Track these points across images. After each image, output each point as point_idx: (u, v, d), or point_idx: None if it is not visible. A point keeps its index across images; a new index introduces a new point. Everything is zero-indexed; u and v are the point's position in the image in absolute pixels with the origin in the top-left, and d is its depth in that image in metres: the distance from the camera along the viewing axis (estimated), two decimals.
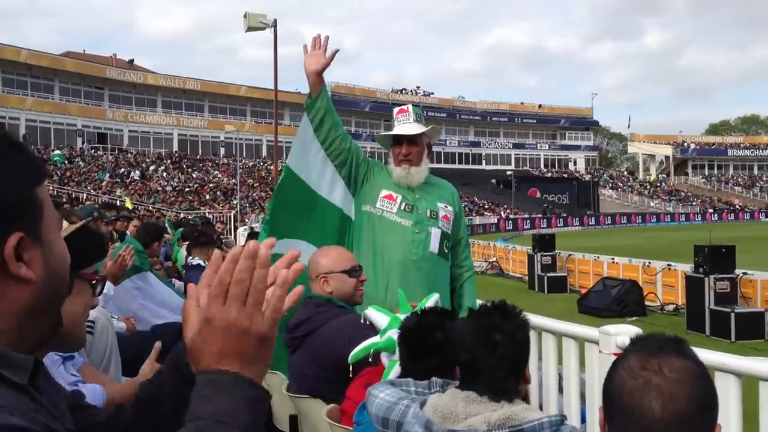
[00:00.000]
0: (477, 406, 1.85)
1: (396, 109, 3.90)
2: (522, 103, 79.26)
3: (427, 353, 2.31)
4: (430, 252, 3.66)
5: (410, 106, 3.85)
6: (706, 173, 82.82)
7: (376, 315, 2.74)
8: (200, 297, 0.94)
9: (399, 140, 3.76)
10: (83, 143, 48.89)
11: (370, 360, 2.69)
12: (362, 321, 2.87)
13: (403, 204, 3.70)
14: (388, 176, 3.77)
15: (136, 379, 2.41)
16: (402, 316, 2.60)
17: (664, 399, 1.20)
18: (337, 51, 3.58)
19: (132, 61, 59.46)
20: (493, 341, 1.87)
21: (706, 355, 2.43)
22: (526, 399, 2.09)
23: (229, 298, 0.89)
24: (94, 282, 1.75)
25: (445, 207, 3.78)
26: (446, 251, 3.74)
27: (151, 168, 47.12)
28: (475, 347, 1.88)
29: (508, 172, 64.05)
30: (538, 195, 66.85)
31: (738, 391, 2.63)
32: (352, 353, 2.69)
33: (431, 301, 2.81)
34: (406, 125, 3.76)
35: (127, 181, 42.27)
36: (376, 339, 2.67)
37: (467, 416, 1.84)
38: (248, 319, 0.89)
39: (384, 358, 2.63)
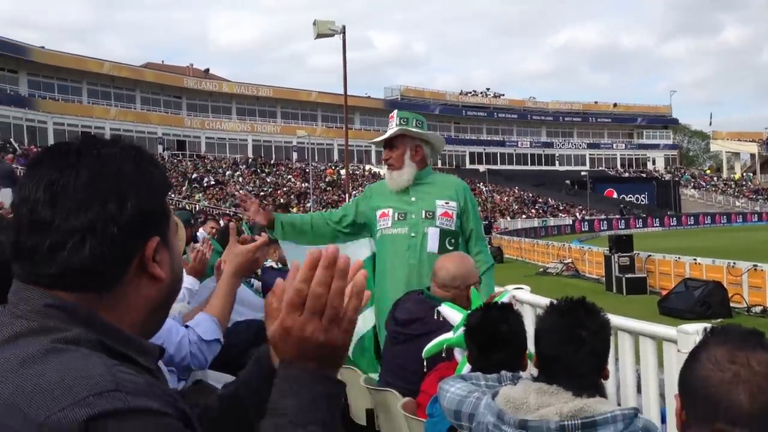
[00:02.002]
0: (549, 398, 1.86)
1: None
2: (596, 102, 77.54)
3: (494, 347, 2.35)
4: (429, 252, 3.69)
5: (396, 112, 3.95)
6: None
7: (450, 311, 2.78)
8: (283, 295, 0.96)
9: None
10: (164, 150, 50.73)
11: (443, 355, 2.74)
12: (435, 317, 2.90)
13: (396, 215, 3.80)
14: (384, 190, 3.91)
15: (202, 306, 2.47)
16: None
17: (753, 392, 1.21)
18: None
19: (207, 70, 61.35)
20: (579, 338, 1.88)
21: None
22: (603, 396, 2.09)
23: (306, 310, 0.91)
24: None
25: (446, 203, 3.78)
26: (451, 248, 3.71)
27: (227, 173, 48.47)
28: (561, 343, 1.89)
29: (583, 173, 62.73)
30: (615, 195, 65.24)
31: None
32: (426, 348, 2.74)
33: (506, 298, 2.83)
34: (388, 132, 3.88)
35: (205, 185, 43.60)
36: (449, 335, 2.71)
37: (539, 407, 1.85)
38: (324, 335, 0.91)
39: (457, 354, 2.67)
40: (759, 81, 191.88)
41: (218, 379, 3.36)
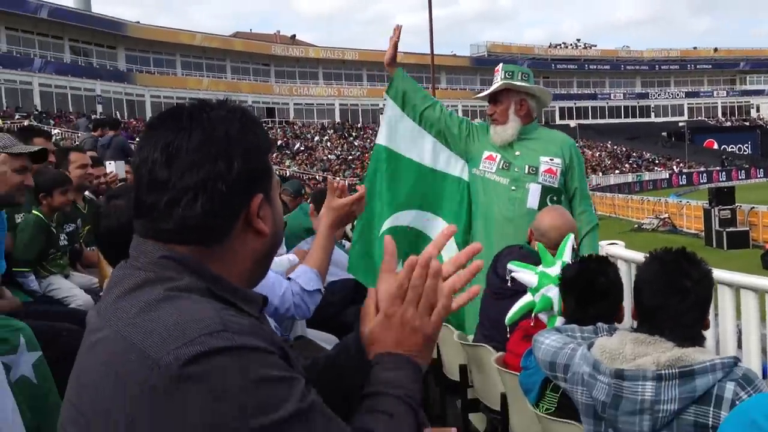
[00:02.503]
0: (646, 348, 1.87)
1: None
2: (695, 48, 73.49)
3: (594, 298, 2.34)
4: (528, 208, 3.65)
5: (501, 65, 3.86)
6: None
7: (523, 273, 2.75)
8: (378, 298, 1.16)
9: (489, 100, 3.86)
10: None
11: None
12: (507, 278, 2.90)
13: (502, 162, 3.76)
14: (488, 139, 3.86)
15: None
16: (548, 270, 2.65)
17: None
18: (397, 38, 3.78)
19: (294, 36, 62.02)
20: (684, 288, 1.88)
21: None
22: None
23: (406, 300, 1.10)
24: None
25: (550, 160, 3.71)
26: (551, 205, 3.60)
27: (316, 138, 49.22)
28: (664, 293, 1.89)
29: (681, 124, 60.00)
30: (716, 146, 62.16)
31: None
32: (509, 315, 2.75)
33: (569, 243, 2.79)
34: (493, 86, 3.81)
35: (294, 151, 44.48)
36: (528, 298, 2.71)
37: (635, 357, 1.86)
38: (419, 320, 1.11)
39: (542, 317, 2.66)
40: None
41: (317, 337, 3.51)
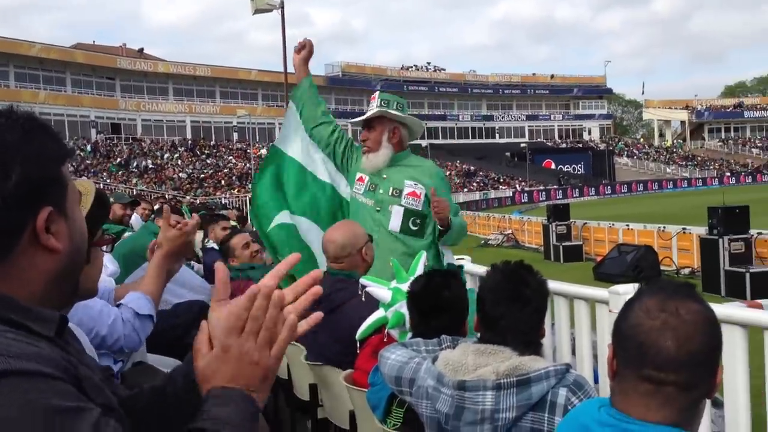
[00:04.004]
0: (487, 358, 1.93)
1: None
2: (534, 75, 78.45)
3: (438, 312, 2.39)
4: (390, 230, 3.74)
5: (378, 93, 3.98)
6: (723, 136, 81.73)
7: (376, 288, 2.79)
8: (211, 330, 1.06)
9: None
10: (97, 134, 49.19)
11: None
12: (359, 292, 2.93)
13: (369, 184, 3.86)
14: (362, 162, 3.97)
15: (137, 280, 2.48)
16: (402, 286, 2.68)
17: (679, 339, 1.25)
18: (312, 48, 4.05)
19: (142, 50, 59.51)
20: (524, 296, 1.98)
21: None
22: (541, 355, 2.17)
23: (245, 332, 1.01)
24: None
25: (414, 184, 3.80)
26: (415, 228, 3.75)
27: (165, 156, 47.39)
28: (507, 302, 1.97)
29: (522, 145, 63.55)
30: (553, 166, 66.39)
31: (744, 341, 2.69)
32: (360, 331, 2.76)
33: (421, 260, 2.87)
34: (369, 112, 3.91)
35: (142, 169, 42.57)
36: (380, 313, 2.73)
37: (477, 367, 1.92)
38: (259, 353, 1.01)
39: (393, 332, 2.68)
40: (688, 49, 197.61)
41: (159, 362, 3.34)
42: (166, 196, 33.46)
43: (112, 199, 6.43)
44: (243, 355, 1.01)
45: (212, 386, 1.02)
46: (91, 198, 1.71)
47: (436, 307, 2.40)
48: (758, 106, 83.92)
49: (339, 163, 4.02)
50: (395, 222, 3.74)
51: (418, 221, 3.77)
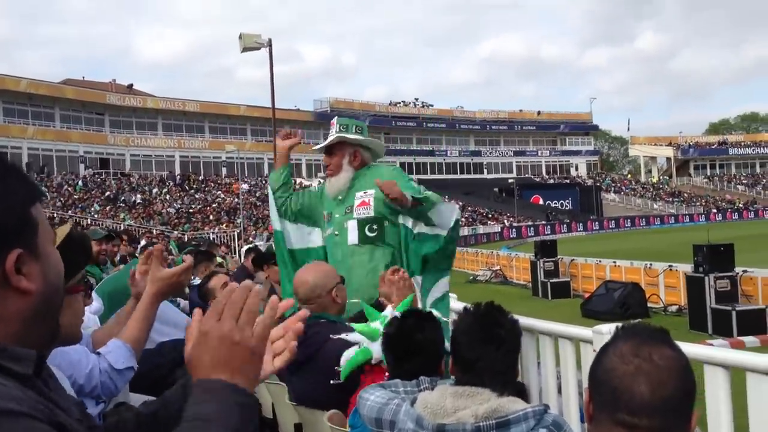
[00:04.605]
0: (465, 400, 1.93)
1: None
2: (521, 111, 79.24)
3: (411, 355, 2.39)
4: (350, 245, 3.80)
5: (336, 119, 4.06)
6: (709, 173, 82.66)
7: (360, 338, 2.81)
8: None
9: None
10: (85, 169, 49.11)
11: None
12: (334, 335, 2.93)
13: (329, 215, 3.94)
14: (326, 190, 4.04)
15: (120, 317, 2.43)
16: (373, 325, 2.71)
17: (653, 385, 1.26)
18: (301, 139, 4.21)
19: (131, 85, 59.73)
20: (498, 336, 2.00)
21: (692, 349, 2.50)
22: (524, 396, 2.18)
23: (223, 316, 1.00)
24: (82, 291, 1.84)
25: (363, 194, 3.85)
26: (372, 234, 3.79)
27: (154, 191, 47.32)
28: (482, 343, 1.99)
29: (510, 180, 63.99)
30: (541, 202, 66.79)
31: (726, 382, 2.69)
32: (344, 369, 2.76)
33: (388, 312, 2.88)
34: (328, 139, 3.98)
35: (130, 204, 42.45)
36: (353, 351, 2.76)
37: (456, 410, 1.92)
38: (239, 333, 1.00)
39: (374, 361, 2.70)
40: (673, 86, 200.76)
41: (141, 403, 3.30)
42: (154, 231, 33.35)
43: None
44: (223, 338, 0.99)
45: (197, 377, 0.99)
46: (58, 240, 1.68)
47: (409, 351, 2.39)
48: (742, 143, 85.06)
49: (313, 209, 4.06)
50: (352, 236, 3.80)
51: (374, 227, 3.80)
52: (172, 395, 1.16)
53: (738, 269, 10.59)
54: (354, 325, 2.86)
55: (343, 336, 2.81)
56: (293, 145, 4.10)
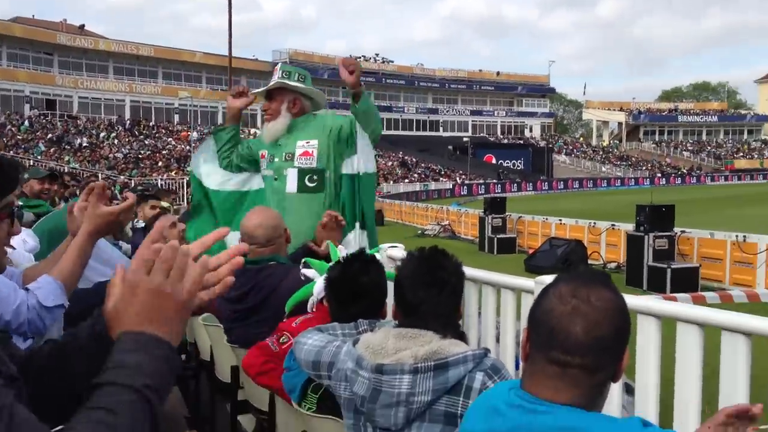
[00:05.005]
0: (407, 342, 1.94)
1: None
2: (480, 71, 79.21)
3: (355, 299, 2.39)
4: (288, 193, 3.80)
5: (279, 65, 4.04)
6: (657, 139, 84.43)
7: (311, 272, 2.82)
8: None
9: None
10: (30, 110, 47.40)
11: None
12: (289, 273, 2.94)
13: (268, 156, 3.93)
14: (263, 134, 4.05)
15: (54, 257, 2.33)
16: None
17: (588, 325, 1.30)
18: (254, 98, 4.08)
19: (83, 26, 57.50)
20: (442, 280, 1.99)
21: (627, 299, 2.56)
22: (463, 339, 2.20)
23: (153, 270, 0.98)
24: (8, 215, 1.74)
25: (306, 143, 3.85)
26: (312, 184, 3.81)
27: (102, 135, 46.02)
28: (425, 288, 1.98)
29: (465, 139, 64.21)
30: (494, 161, 67.35)
31: (658, 332, 2.77)
32: (288, 302, 2.76)
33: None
34: (269, 84, 3.97)
35: (76, 147, 41.27)
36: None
37: (397, 351, 1.93)
38: (171, 286, 0.99)
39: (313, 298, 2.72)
40: (630, 54, 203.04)
41: None
42: (99, 175, 32.55)
43: (27, 175, 6.18)
44: (153, 290, 0.98)
45: (121, 331, 0.97)
46: None
47: (354, 294, 2.39)
48: (692, 111, 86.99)
49: (247, 155, 4.05)
50: (291, 184, 3.81)
51: (315, 177, 3.82)
52: (82, 330, 1.12)
53: (677, 229, 10.93)
54: (309, 261, 2.85)
55: (303, 271, 2.81)
56: (245, 105, 4.02)
